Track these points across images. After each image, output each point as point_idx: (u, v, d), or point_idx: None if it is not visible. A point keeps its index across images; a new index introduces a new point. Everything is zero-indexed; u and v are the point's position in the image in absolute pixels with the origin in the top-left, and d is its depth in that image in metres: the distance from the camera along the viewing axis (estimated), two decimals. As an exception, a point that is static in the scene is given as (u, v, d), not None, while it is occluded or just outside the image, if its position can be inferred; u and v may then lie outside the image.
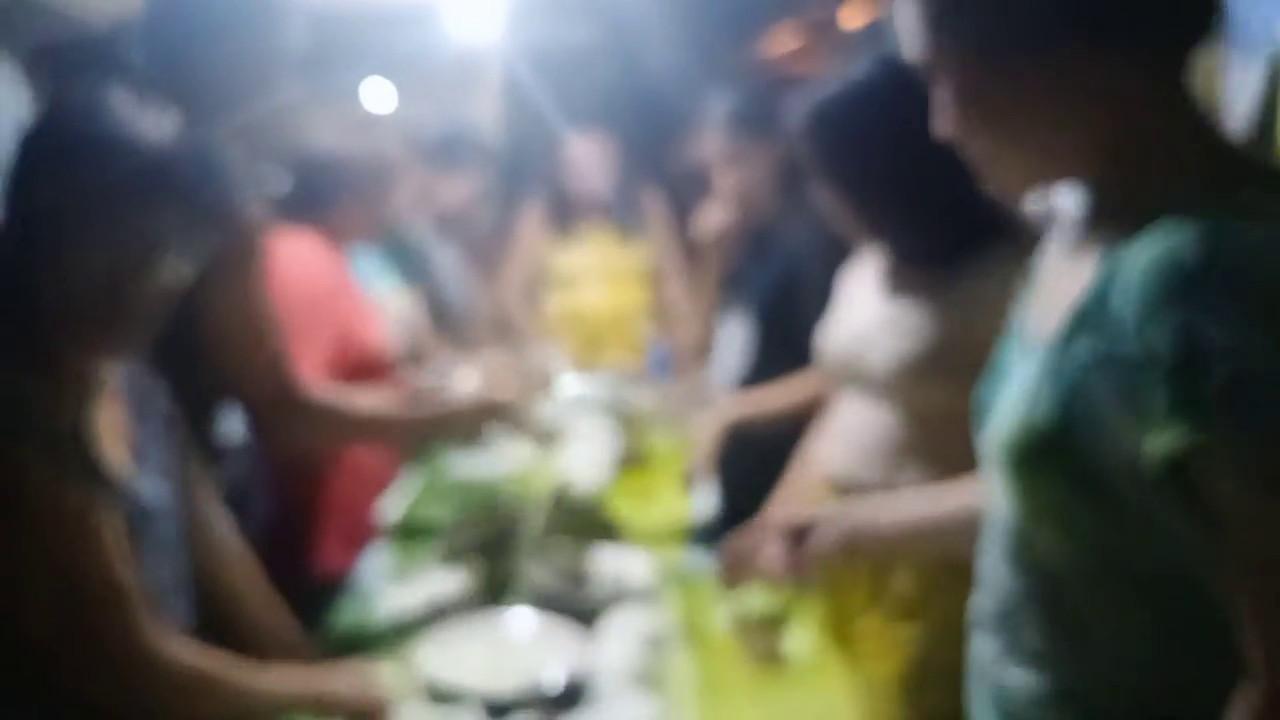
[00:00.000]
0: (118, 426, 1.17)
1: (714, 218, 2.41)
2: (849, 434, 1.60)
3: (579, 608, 1.67)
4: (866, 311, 1.58)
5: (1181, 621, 0.87)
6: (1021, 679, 0.95)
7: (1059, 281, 0.96)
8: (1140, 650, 0.89)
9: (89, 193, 1.04)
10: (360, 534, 2.03)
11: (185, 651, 1.14)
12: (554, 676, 1.45)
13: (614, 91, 4.29)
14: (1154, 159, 0.88)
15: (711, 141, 2.31)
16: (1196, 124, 0.90)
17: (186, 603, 1.27)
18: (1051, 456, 0.87)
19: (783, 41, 4.34)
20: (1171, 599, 0.88)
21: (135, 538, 1.14)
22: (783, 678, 1.54)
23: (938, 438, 1.46)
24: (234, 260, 1.44)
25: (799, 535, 1.27)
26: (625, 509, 2.11)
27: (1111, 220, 0.90)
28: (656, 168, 3.49)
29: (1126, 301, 0.81)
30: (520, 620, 1.62)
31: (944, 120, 0.95)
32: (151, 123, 1.09)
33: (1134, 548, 0.87)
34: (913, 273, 1.53)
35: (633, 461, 2.35)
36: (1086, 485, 0.86)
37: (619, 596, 1.72)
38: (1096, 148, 0.90)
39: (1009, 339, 1.01)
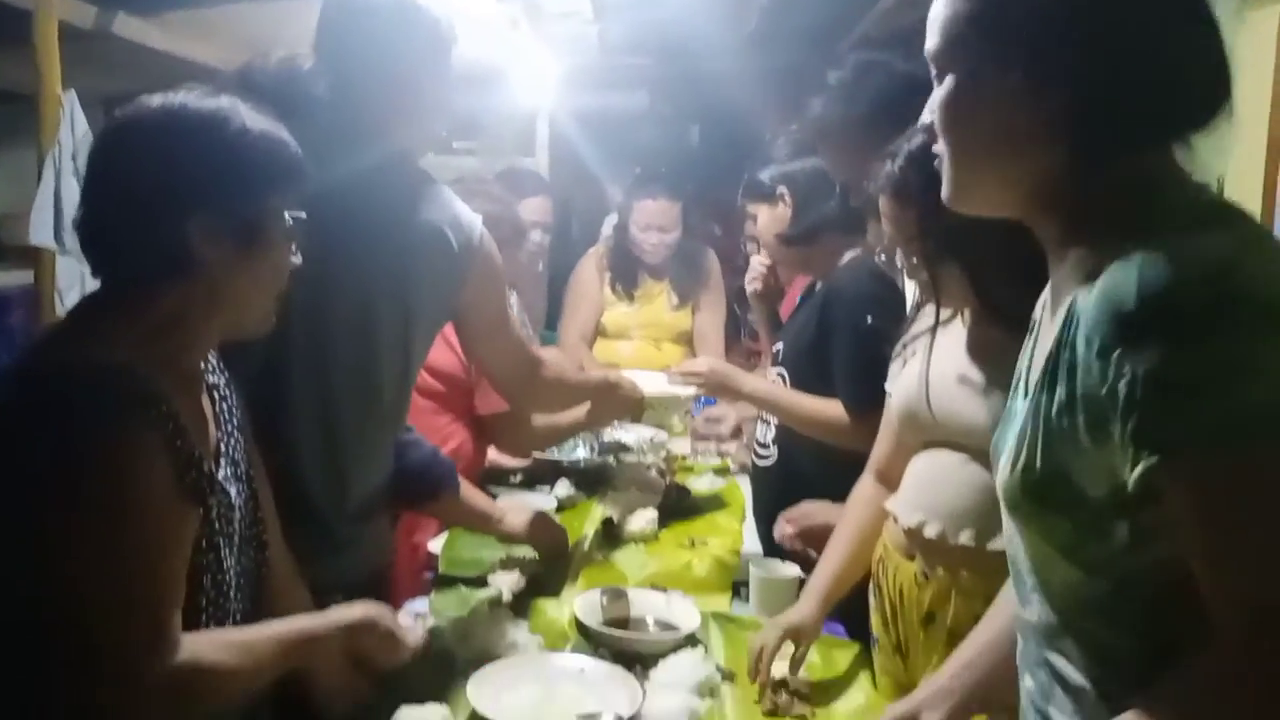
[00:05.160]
0: (206, 423, 1.20)
1: (757, 269, 2.45)
2: (933, 492, 1.57)
3: (629, 651, 1.68)
4: (953, 371, 1.56)
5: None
6: (1067, 711, 0.97)
7: (1045, 331, 1.01)
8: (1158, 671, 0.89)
9: (217, 171, 1.12)
10: (417, 571, 2.06)
11: (201, 649, 1.11)
12: (607, 716, 1.45)
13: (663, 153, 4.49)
14: (1092, 206, 0.93)
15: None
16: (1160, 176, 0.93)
17: (248, 602, 1.29)
18: (1047, 496, 0.92)
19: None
20: (1187, 620, 0.88)
21: (217, 532, 1.17)
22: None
23: None
24: (484, 265, 1.74)
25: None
26: (674, 557, 2.13)
27: (1074, 268, 0.95)
28: (712, 233, 3.60)
29: (1086, 345, 0.86)
30: (571, 662, 1.63)
31: (929, 114, 1.00)
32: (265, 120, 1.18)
33: (1142, 569, 0.90)
34: (1002, 333, 1.48)
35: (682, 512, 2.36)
36: (1085, 519, 0.90)
37: (669, 642, 1.72)
38: (1042, 188, 0.95)
39: (1015, 384, 1.05)
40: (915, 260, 1.53)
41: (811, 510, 2.01)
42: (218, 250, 1.13)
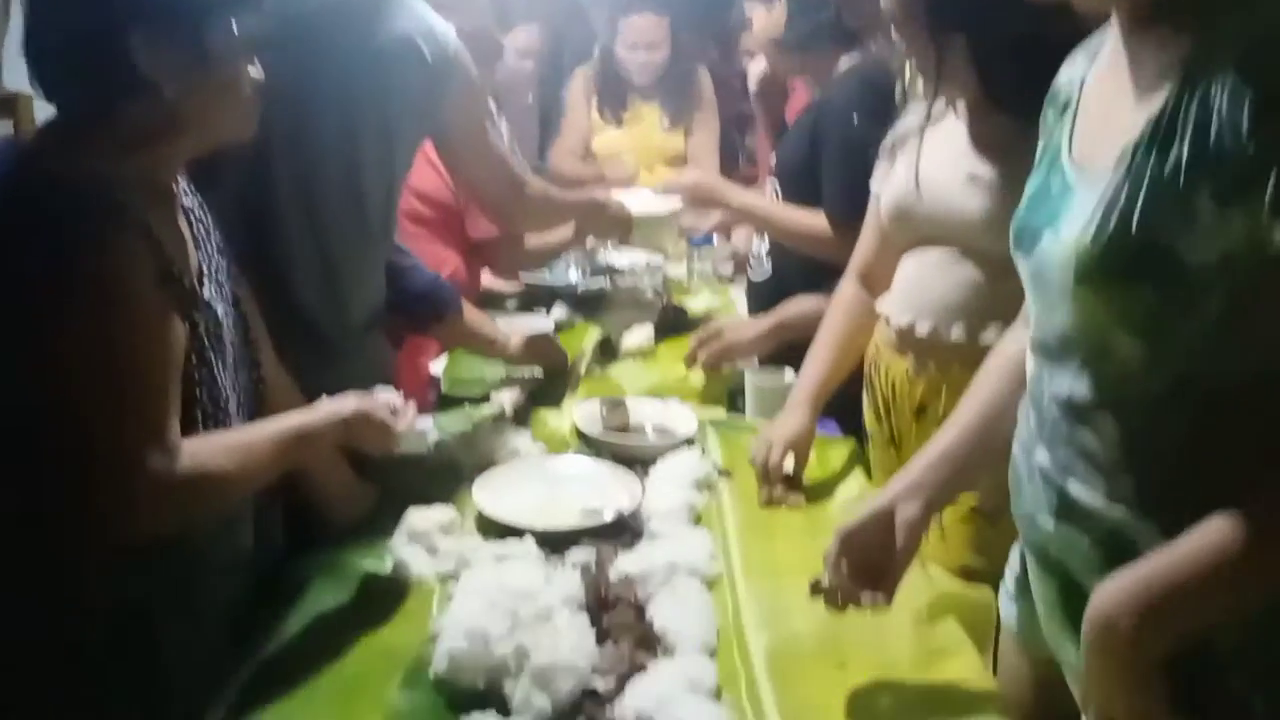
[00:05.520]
0: (184, 242, 1.21)
1: (757, 67, 2.40)
2: (923, 291, 1.59)
3: (629, 454, 1.74)
4: (949, 168, 1.54)
5: (1247, 435, 0.89)
6: (1085, 490, 0.99)
7: (1107, 108, 0.98)
8: (1206, 462, 0.91)
9: None
10: (421, 393, 2.11)
11: (201, 453, 1.14)
12: (608, 511, 1.51)
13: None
14: None
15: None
16: None
17: (246, 421, 1.31)
18: (1137, 262, 0.89)
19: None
20: (1241, 412, 0.90)
21: (207, 348, 1.19)
22: (823, 516, 1.61)
23: (1018, 288, 1.47)
24: (461, 78, 1.73)
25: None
26: (671, 370, 2.17)
27: (1171, 35, 0.91)
28: (707, 54, 3.49)
29: (1233, 103, 0.83)
30: (573, 465, 1.68)
31: None
32: None
33: (1215, 353, 0.89)
34: (1005, 127, 1.47)
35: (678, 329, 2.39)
36: (1174, 289, 0.88)
37: (666, 444, 1.77)
38: None
39: (1049, 165, 1.04)
40: (918, 39, 1.48)
41: (720, 327, 2.05)
42: (165, 67, 1.11)
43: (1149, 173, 0.89)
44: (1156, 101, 0.90)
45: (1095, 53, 1.05)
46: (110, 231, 1.05)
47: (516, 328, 2.16)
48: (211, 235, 1.29)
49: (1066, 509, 1.01)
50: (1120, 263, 0.90)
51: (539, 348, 2.05)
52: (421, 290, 1.87)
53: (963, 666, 1.21)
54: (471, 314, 1.99)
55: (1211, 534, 0.87)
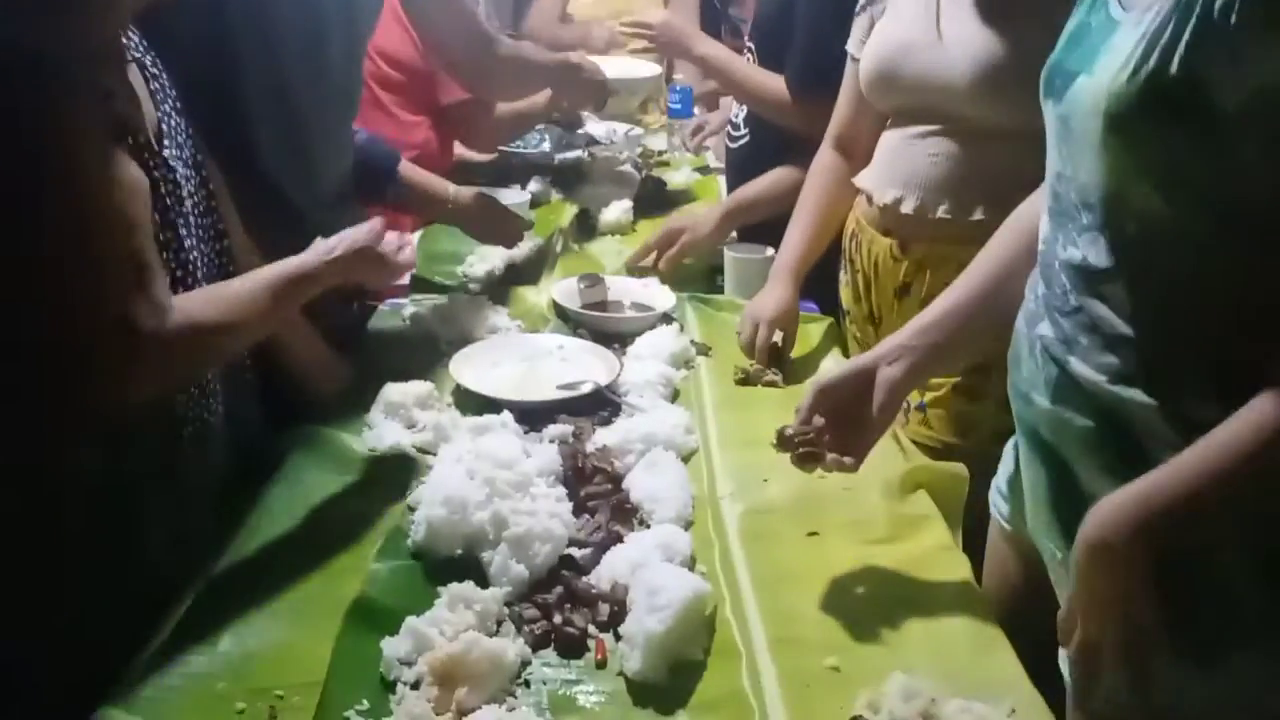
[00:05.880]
0: (138, 100, 1.16)
1: None
2: (908, 166, 1.55)
3: (607, 331, 1.73)
4: (932, 31, 1.49)
5: (1267, 311, 0.87)
6: (1085, 366, 0.96)
7: None
8: (1224, 323, 0.89)
9: None
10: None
11: (194, 307, 1.11)
12: (585, 385, 1.51)
13: None
14: None
15: None
16: None
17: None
18: (1171, 103, 0.86)
19: None
20: (1262, 286, 0.87)
21: (169, 210, 1.15)
22: (800, 392, 1.61)
23: (1005, 164, 1.44)
24: None
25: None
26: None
27: None
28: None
29: None
30: (550, 341, 1.68)
31: None
32: None
33: (1242, 202, 0.86)
34: None
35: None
36: (1205, 132, 0.85)
37: (644, 320, 1.77)
38: None
39: (1090, 2, 0.99)
40: None
41: (673, 229, 1.99)
42: None
43: (1200, 4, 0.84)
44: None
45: None
46: (58, 91, 1.01)
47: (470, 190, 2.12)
48: (169, 94, 1.24)
49: (1064, 386, 0.98)
50: (1154, 105, 0.86)
51: (486, 208, 1.96)
52: (357, 156, 1.78)
53: (932, 537, 1.24)
54: (415, 172, 1.91)
55: (1232, 433, 0.85)
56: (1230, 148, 0.85)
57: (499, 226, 1.96)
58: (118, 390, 1.08)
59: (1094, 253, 0.94)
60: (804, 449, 1.10)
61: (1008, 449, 1.23)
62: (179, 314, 1.08)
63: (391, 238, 1.36)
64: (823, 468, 1.12)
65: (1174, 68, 0.85)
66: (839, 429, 1.13)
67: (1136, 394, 0.93)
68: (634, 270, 1.98)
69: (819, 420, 1.12)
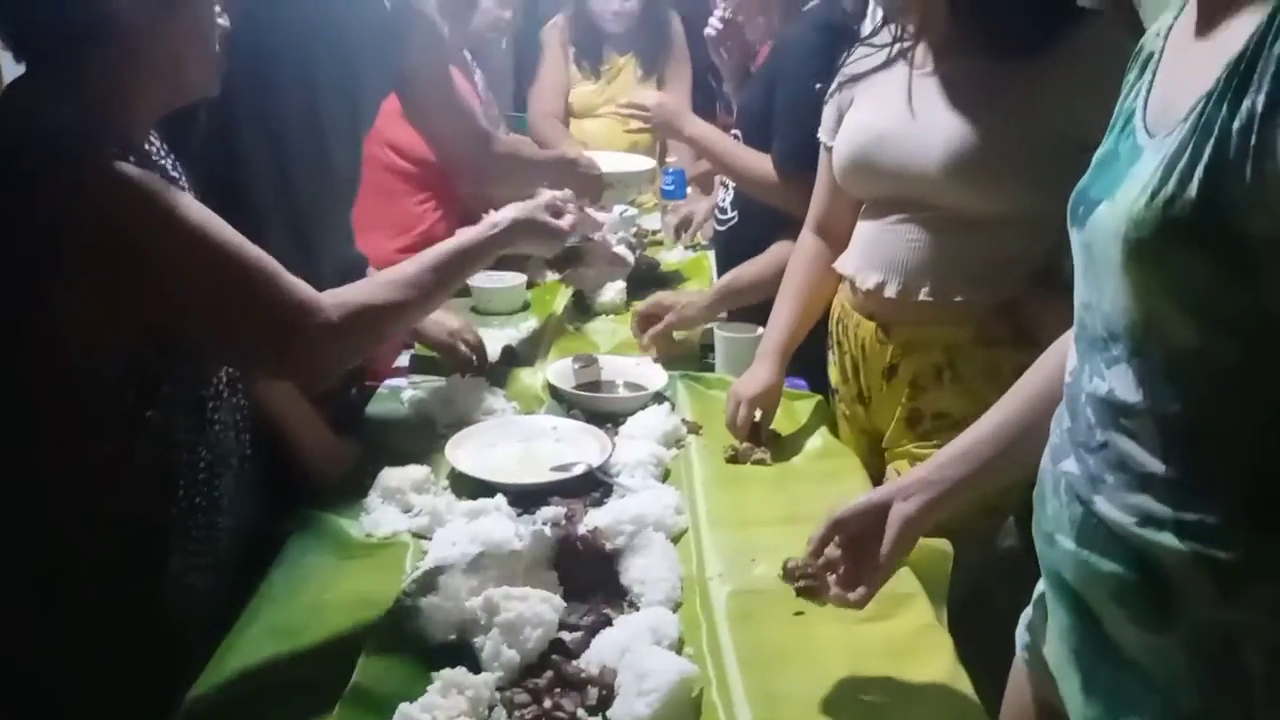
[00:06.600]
0: None
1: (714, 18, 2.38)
2: (888, 251, 1.58)
3: (600, 411, 1.77)
4: (906, 118, 1.52)
5: None
6: (1112, 507, 0.90)
7: (1187, 61, 0.90)
8: (1258, 459, 0.84)
9: None
10: (395, 350, 2.13)
11: (357, 295, 1.24)
12: (578, 466, 1.55)
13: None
14: None
15: None
16: None
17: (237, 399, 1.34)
18: (1190, 227, 0.81)
19: None
20: None
21: None
22: (789, 469, 1.65)
23: (985, 250, 1.49)
24: (424, 28, 1.77)
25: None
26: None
27: None
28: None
29: None
30: (545, 422, 1.72)
31: None
32: None
33: (1275, 328, 0.81)
34: (972, 73, 1.48)
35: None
36: (1229, 257, 0.81)
37: (636, 400, 1.81)
38: None
39: (1120, 129, 0.96)
40: None
41: (661, 303, 2.05)
42: (134, 10, 1.11)
43: (1219, 125, 0.80)
44: (1236, 46, 0.81)
45: (1184, 3, 0.93)
46: (107, 159, 1.07)
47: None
48: (188, 190, 1.31)
49: (1090, 528, 0.93)
50: (1173, 230, 0.82)
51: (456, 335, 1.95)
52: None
53: (916, 616, 1.26)
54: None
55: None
56: (1256, 273, 0.80)
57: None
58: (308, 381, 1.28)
59: (1121, 385, 0.90)
60: (805, 583, 1.11)
61: (1041, 582, 1.14)
62: (341, 303, 1.20)
63: (555, 203, 1.51)
64: (828, 601, 1.12)
65: (1192, 191, 0.81)
66: (853, 559, 1.12)
67: (1166, 538, 0.86)
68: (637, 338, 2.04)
69: (834, 551, 1.12)
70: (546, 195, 1.53)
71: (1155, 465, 0.87)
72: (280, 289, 1.15)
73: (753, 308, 2.00)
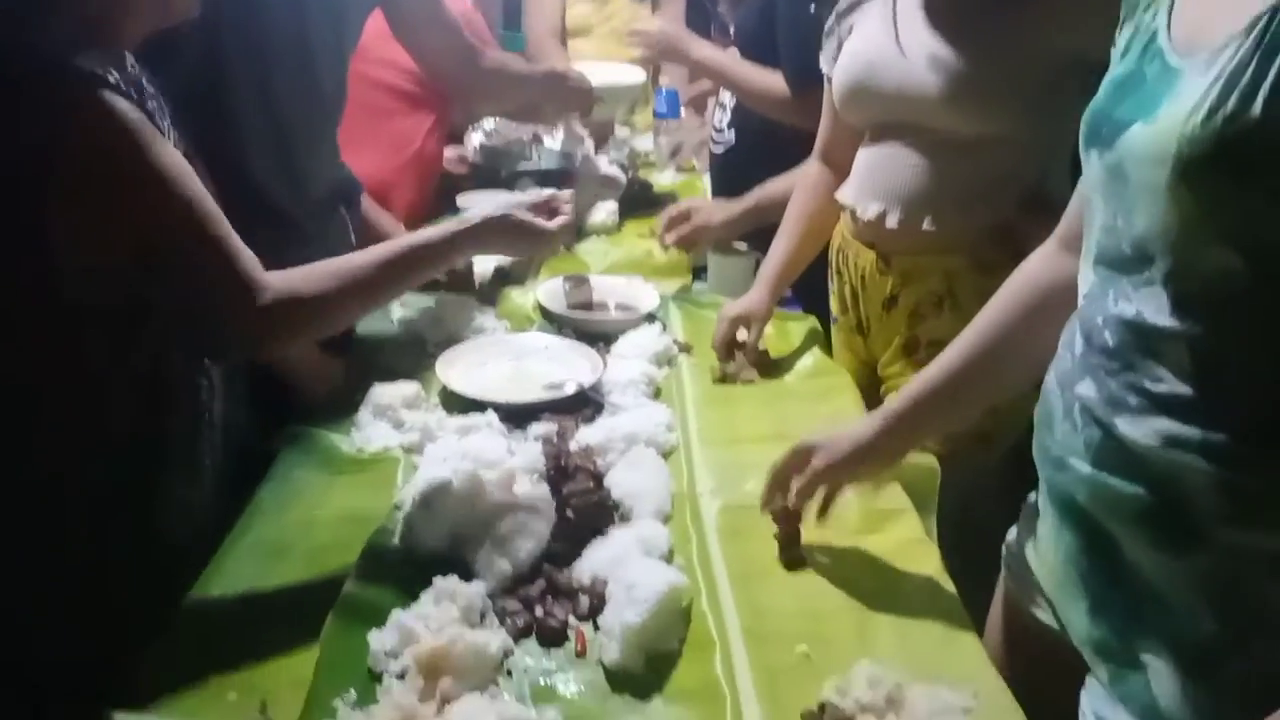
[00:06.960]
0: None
1: None
2: (889, 181, 1.57)
3: (591, 330, 1.77)
4: (903, 45, 1.50)
5: None
6: (1136, 428, 0.88)
7: None
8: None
9: None
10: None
11: (295, 282, 1.17)
12: (570, 385, 1.55)
13: None
14: None
15: None
16: None
17: None
18: (1254, 152, 0.79)
19: None
20: None
21: None
22: (779, 387, 1.66)
23: (980, 170, 1.48)
24: None
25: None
26: (635, 246, 2.19)
27: None
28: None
29: None
30: (536, 340, 1.71)
31: None
32: None
33: None
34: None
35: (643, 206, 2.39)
36: None
37: (628, 320, 1.80)
38: None
39: (1142, 50, 0.92)
40: None
41: (689, 208, 2.02)
42: None
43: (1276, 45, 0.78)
44: None
45: None
46: (96, 83, 1.05)
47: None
48: (165, 115, 1.28)
49: (1109, 452, 0.91)
50: (1231, 150, 0.79)
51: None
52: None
53: (904, 530, 1.27)
54: (374, 209, 1.95)
55: None
56: None
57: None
58: (227, 354, 1.22)
59: (1152, 308, 0.87)
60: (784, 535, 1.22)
61: (1026, 508, 1.17)
62: (280, 287, 1.14)
63: (536, 202, 1.42)
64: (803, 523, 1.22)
65: (1256, 109, 0.78)
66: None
67: (1193, 459, 0.85)
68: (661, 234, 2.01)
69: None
70: (545, 194, 1.43)
71: (1183, 389, 0.86)
72: (231, 256, 1.11)
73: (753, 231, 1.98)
